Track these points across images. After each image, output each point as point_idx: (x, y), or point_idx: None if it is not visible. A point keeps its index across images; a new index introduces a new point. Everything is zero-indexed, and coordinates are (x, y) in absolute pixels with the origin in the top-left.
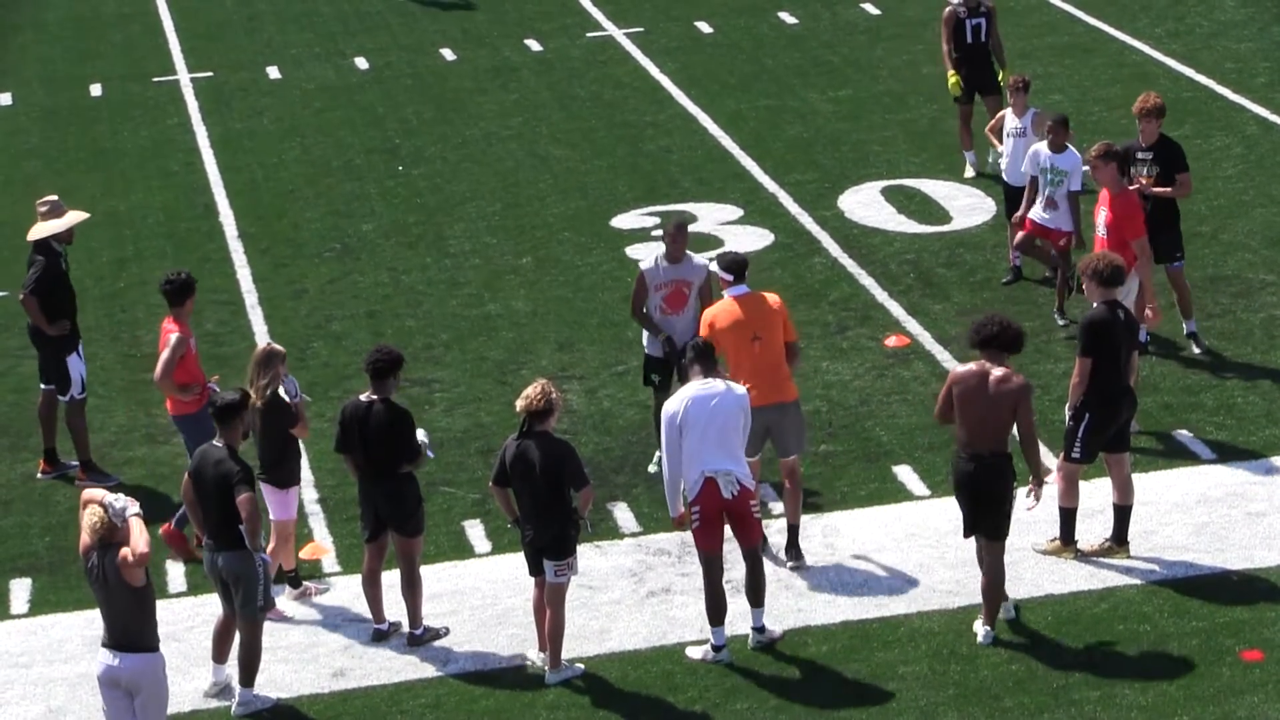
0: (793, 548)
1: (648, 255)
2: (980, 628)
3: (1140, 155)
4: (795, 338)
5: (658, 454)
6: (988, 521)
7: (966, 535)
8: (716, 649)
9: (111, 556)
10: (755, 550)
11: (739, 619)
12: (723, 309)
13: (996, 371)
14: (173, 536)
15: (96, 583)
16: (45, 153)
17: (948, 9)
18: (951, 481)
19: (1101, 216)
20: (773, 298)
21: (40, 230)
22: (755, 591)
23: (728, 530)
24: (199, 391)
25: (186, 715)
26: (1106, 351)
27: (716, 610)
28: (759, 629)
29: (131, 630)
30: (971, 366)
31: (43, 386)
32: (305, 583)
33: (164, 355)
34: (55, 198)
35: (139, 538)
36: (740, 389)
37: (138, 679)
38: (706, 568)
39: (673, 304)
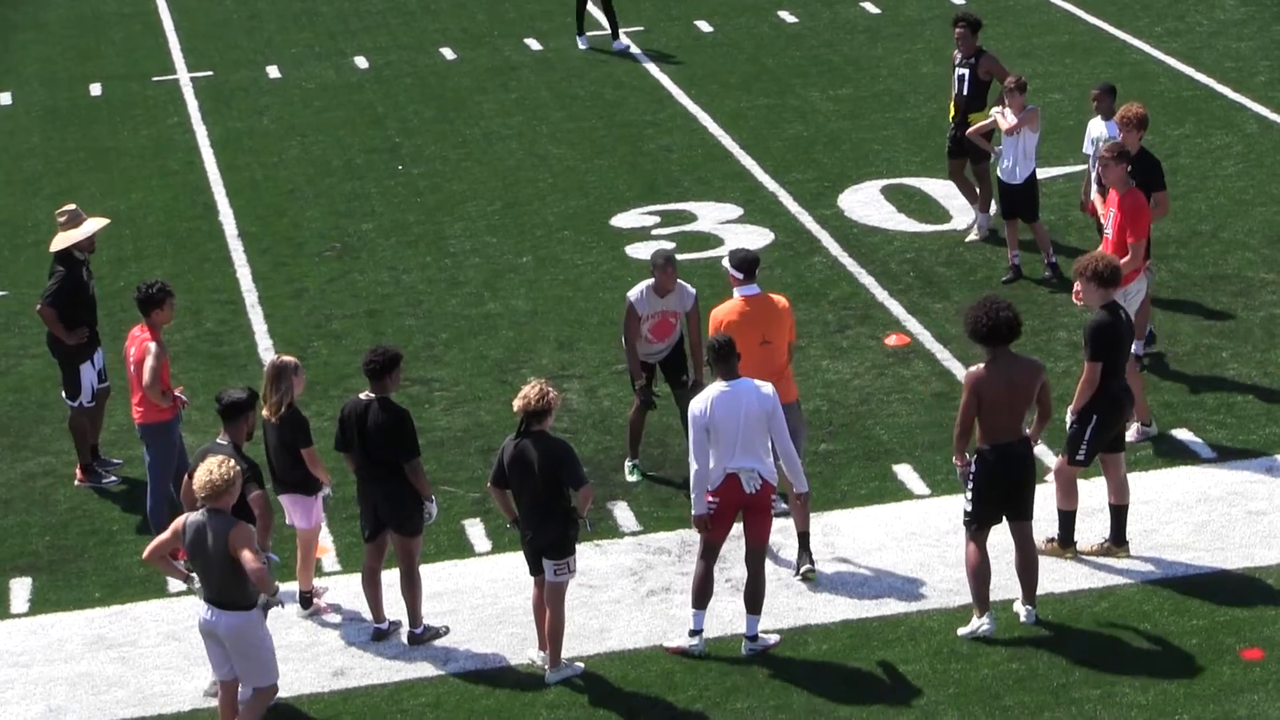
0: (804, 553)
1: (635, 285)
2: (1021, 608)
3: None
4: (794, 338)
5: (629, 462)
6: (1019, 505)
7: (987, 526)
8: (694, 633)
9: (216, 523)
10: (762, 550)
11: (738, 618)
12: (732, 308)
13: (1013, 361)
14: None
15: (194, 545)
16: (45, 152)
17: (954, 52)
18: (979, 478)
19: (1111, 216)
20: (781, 300)
21: (61, 240)
22: (754, 598)
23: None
24: (170, 401)
25: (187, 715)
26: (1113, 354)
27: (702, 594)
28: (752, 637)
29: (225, 590)
30: (992, 366)
31: (67, 402)
32: (316, 602)
33: (149, 364)
34: (74, 207)
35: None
36: (767, 387)
37: (232, 635)
38: (705, 553)
39: (659, 333)
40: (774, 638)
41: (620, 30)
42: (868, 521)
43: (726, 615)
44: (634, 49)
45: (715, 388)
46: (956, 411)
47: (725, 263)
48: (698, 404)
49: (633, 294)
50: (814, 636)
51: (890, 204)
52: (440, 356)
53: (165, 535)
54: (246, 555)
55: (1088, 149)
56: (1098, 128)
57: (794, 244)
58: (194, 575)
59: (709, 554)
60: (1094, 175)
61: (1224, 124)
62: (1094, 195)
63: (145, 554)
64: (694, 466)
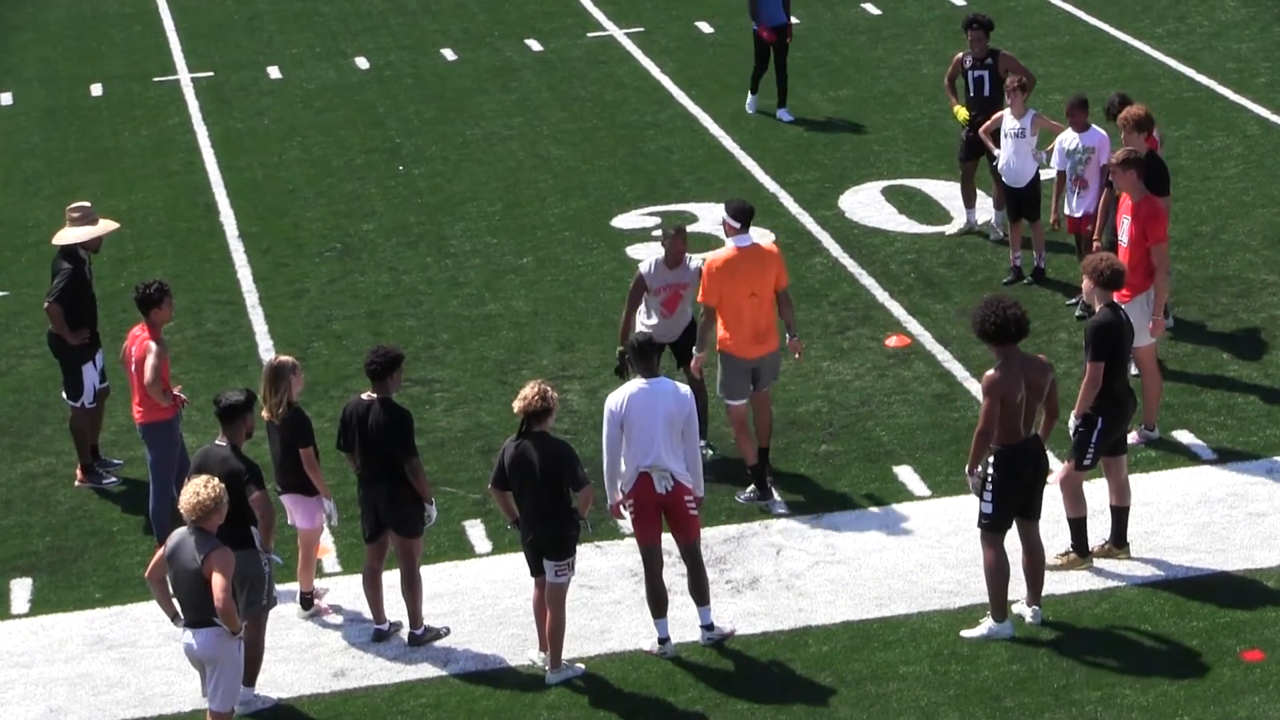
0: (760, 475)
1: (646, 258)
2: (1027, 609)
3: None
4: (787, 284)
5: None
6: (1035, 503)
7: (1005, 528)
8: (661, 641)
9: (198, 540)
10: (693, 547)
11: (739, 619)
12: (724, 257)
13: (1025, 360)
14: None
15: (172, 560)
16: (46, 152)
17: (958, 54)
18: (999, 480)
19: (1125, 224)
20: (770, 249)
21: (69, 236)
22: (698, 590)
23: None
24: (171, 399)
25: (186, 715)
26: (1116, 354)
27: (658, 603)
28: (707, 627)
29: (200, 607)
30: (1006, 367)
31: (69, 402)
32: (317, 603)
33: (150, 361)
34: (88, 204)
35: (220, 591)
36: (684, 388)
37: (206, 651)
38: (646, 560)
39: (669, 307)
40: (728, 626)
41: (787, 100)
42: (868, 522)
43: (727, 616)
44: (787, 117)
45: (633, 385)
46: (957, 413)
47: (721, 211)
48: (614, 400)
49: (644, 266)
50: (814, 637)
51: (891, 205)
52: (441, 357)
53: (161, 553)
54: (218, 583)
55: (1061, 164)
56: (1070, 139)
57: (795, 245)
58: (180, 615)
59: (650, 559)
60: (1072, 180)
61: (1224, 125)
62: (1066, 210)
63: (148, 572)
64: (606, 460)
